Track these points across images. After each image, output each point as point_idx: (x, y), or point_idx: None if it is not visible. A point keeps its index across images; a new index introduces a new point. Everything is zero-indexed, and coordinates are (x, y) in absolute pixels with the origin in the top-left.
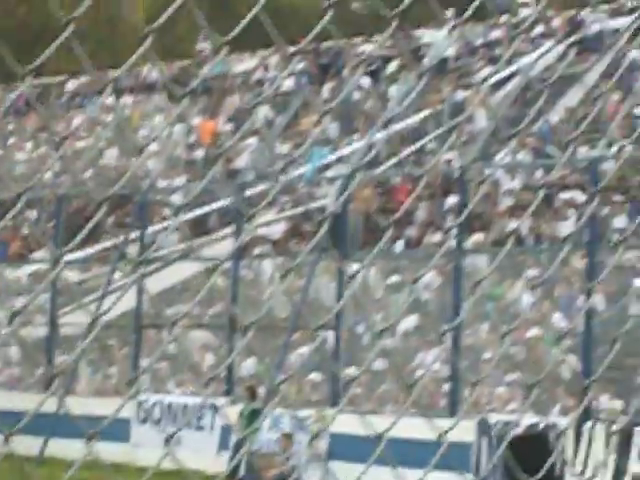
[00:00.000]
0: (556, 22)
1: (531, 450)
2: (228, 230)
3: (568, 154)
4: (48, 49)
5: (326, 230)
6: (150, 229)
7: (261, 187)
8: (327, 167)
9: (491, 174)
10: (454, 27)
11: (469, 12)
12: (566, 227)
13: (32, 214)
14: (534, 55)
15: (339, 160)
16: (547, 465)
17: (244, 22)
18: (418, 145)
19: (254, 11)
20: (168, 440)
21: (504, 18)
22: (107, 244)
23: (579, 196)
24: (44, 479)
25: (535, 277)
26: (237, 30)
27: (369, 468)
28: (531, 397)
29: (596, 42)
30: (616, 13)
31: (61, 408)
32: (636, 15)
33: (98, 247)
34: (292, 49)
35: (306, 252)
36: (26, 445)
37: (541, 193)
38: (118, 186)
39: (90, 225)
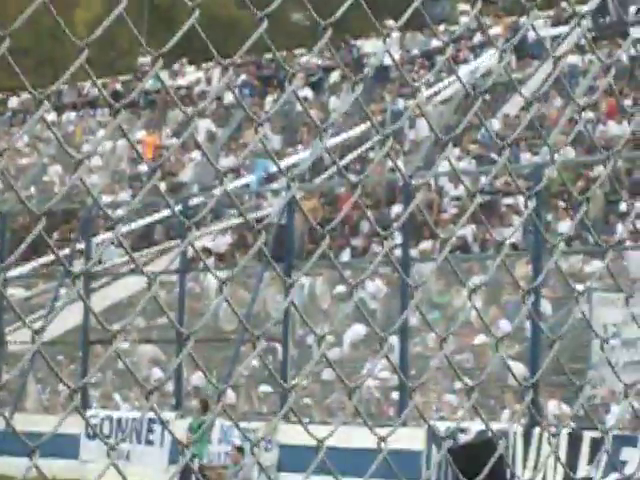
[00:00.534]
0: (496, 30)
1: (481, 456)
2: (173, 243)
3: (505, 159)
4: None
5: (271, 241)
6: (95, 242)
7: (203, 199)
8: (272, 179)
9: (431, 181)
10: (388, 35)
11: (404, 19)
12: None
13: None
14: (474, 63)
15: (283, 172)
16: (492, 470)
17: (178, 35)
18: (358, 153)
19: (188, 24)
20: (111, 451)
21: (443, 27)
22: (51, 259)
23: (523, 202)
24: None
25: (481, 284)
26: (171, 43)
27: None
28: (471, 401)
29: (536, 49)
30: (555, 21)
31: (8, 425)
32: (574, 22)
33: (42, 261)
34: (228, 61)
35: (245, 261)
36: None
37: (480, 199)
38: (55, 200)
39: (30, 238)
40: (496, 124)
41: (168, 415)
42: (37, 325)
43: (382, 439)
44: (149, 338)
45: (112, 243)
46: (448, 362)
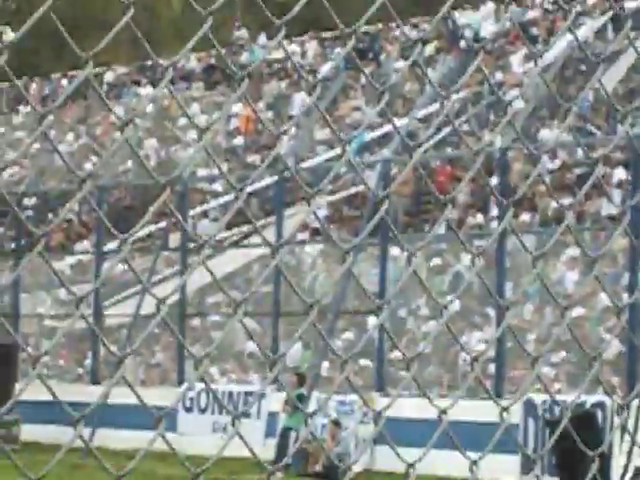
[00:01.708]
0: (592, 0)
1: (579, 429)
2: (269, 219)
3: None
4: (106, 36)
5: (367, 214)
6: (191, 215)
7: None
8: (366, 151)
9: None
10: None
11: None
12: (610, 205)
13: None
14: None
15: (378, 143)
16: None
17: (292, 12)
18: (453, 126)
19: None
20: (231, 423)
21: None
22: (147, 232)
23: (622, 174)
24: (93, 469)
25: (577, 256)
26: (285, 19)
27: (423, 451)
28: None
29: (636, 19)
30: None
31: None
32: None
33: (138, 235)
34: (327, 35)
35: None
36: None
37: (578, 170)
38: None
39: (155, 207)
40: (590, 96)
41: (265, 388)
42: (133, 300)
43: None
44: (245, 311)
45: (207, 217)
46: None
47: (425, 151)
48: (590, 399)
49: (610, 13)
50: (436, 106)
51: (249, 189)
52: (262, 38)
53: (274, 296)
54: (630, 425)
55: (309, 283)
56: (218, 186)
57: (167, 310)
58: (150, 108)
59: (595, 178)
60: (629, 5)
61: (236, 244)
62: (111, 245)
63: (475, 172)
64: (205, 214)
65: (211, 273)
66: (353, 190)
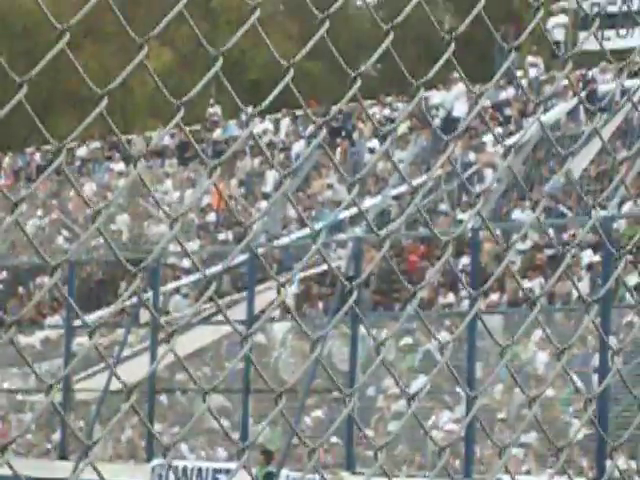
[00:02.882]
0: (565, 82)
1: None
2: (241, 295)
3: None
4: (79, 113)
5: (337, 292)
6: (162, 291)
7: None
8: (338, 230)
9: (498, 233)
10: (476, 94)
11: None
12: (580, 287)
13: (44, 280)
14: (544, 116)
15: (350, 222)
16: None
17: (270, 97)
18: (426, 204)
19: (283, 82)
20: None
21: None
22: (119, 307)
23: (591, 256)
24: None
25: (547, 337)
26: (267, 100)
27: None
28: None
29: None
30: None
31: (77, 474)
32: None
33: (110, 310)
34: (300, 112)
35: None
36: None
37: (549, 252)
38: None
39: (129, 291)
40: (562, 178)
41: (232, 465)
42: (103, 375)
43: None
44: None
45: (179, 293)
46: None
47: (396, 231)
48: None
49: (583, 95)
50: (408, 186)
51: (221, 266)
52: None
53: (244, 373)
54: None
55: (279, 361)
56: (188, 262)
57: (135, 397)
58: (122, 183)
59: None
60: (602, 88)
61: (206, 320)
62: (81, 321)
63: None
64: (177, 290)
65: (176, 355)
66: (324, 268)
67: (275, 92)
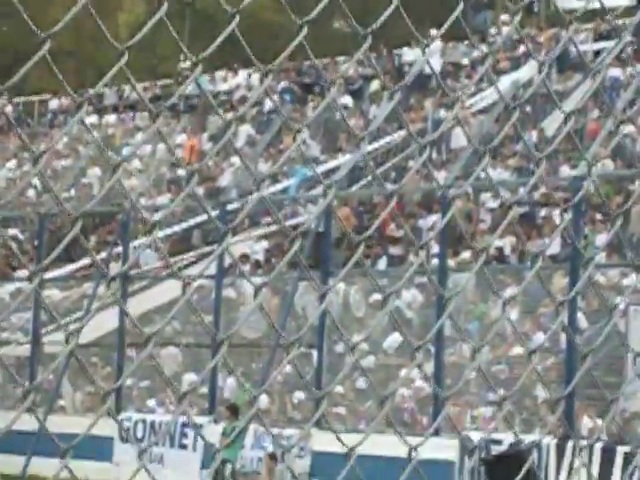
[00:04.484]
0: (537, 41)
1: (513, 468)
2: (210, 249)
3: (541, 170)
4: (24, 66)
5: (307, 248)
6: (132, 246)
7: (241, 204)
8: (310, 187)
9: (469, 191)
10: (427, 45)
11: (443, 28)
12: (550, 246)
13: (14, 232)
14: (515, 74)
15: (322, 179)
16: None
17: (219, 40)
18: (395, 161)
19: (228, 30)
20: (141, 454)
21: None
22: (87, 262)
23: (560, 214)
24: None
25: (515, 295)
26: (211, 48)
27: None
28: (503, 411)
29: (579, 62)
30: (597, 35)
31: (42, 427)
32: (620, 37)
33: (79, 265)
34: (269, 66)
35: (280, 267)
36: (9, 463)
37: (519, 210)
38: (94, 202)
39: (67, 239)
40: (534, 136)
41: (201, 419)
42: (72, 327)
43: (413, 448)
44: (183, 342)
45: (149, 247)
46: (482, 373)
47: (366, 186)
48: (527, 438)
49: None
50: (379, 142)
51: (192, 221)
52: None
53: (213, 327)
54: (565, 465)
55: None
56: (160, 216)
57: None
58: (94, 136)
59: (536, 218)
60: (581, 48)
61: (175, 274)
62: (52, 273)
63: (414, 209)
64: (147, 244)
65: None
66: (294, 222)
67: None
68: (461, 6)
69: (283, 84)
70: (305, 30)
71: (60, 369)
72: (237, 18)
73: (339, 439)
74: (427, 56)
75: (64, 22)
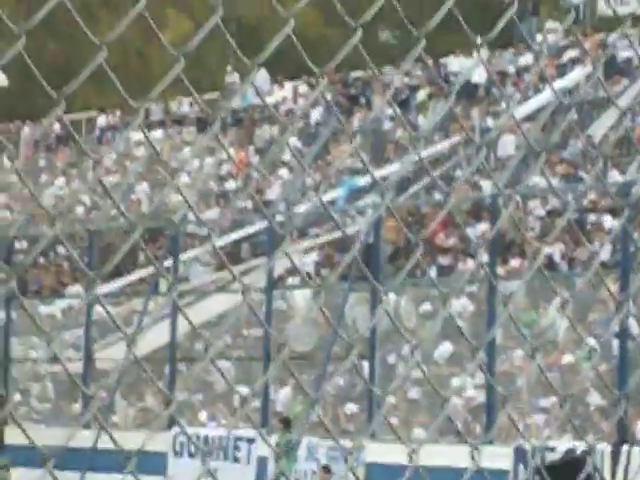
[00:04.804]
0: (585, 46)
1: (569, 476)
2: (259, 261)
3: (596, 170)
4: (78, 77)
5: (358, 259)
6: (182, 260)
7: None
8: (358, 198)
9: (518, 199)
10: (477, 48)
11: (493, 34)
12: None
13: (64, 249)
14: (561, 81)
15: (370, 189)
16: None
17: (271, 47)
18: (445, 170)
19: (279, 38)
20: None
21: (536, 44)
22: (138, 276)
23: (610, 220)
24: None
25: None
26: (265, 53)
27: None
28: (565, 410)
29: (626, 66)
30: None
31: (98, 442)
32: None
33: (129, 279)
34: (318, 74)
35: (334, 278)
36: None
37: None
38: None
39: (121, 253)
40: (580, 144)
41: (254, 432)
42: (123, 344)
43: (472, 454)
44: (236, 355)
45: (198, 261)
46: (543, 375)
47: (414, 196)
48: (581, 445)
49: (602, 60)
50: (427, 152)
51: (240, 234)
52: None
53: (264, 341)
54: (620, 471)
55: (291, 329)
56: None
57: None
58: (142, 152)
59: (586, 225)
60: (623, 54)
61: (224, 288)
62: (103, 289)
63: (463, 218)
64: (197, 258)
65: (190, 323)
66: (344, 234)
67: (272, 46)
68: (514, 9)
69: (329, 96)
70: (359, 33)
71: (113, 384)
72: (291, 25)
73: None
74: (476, 65)
75: (117, 31)
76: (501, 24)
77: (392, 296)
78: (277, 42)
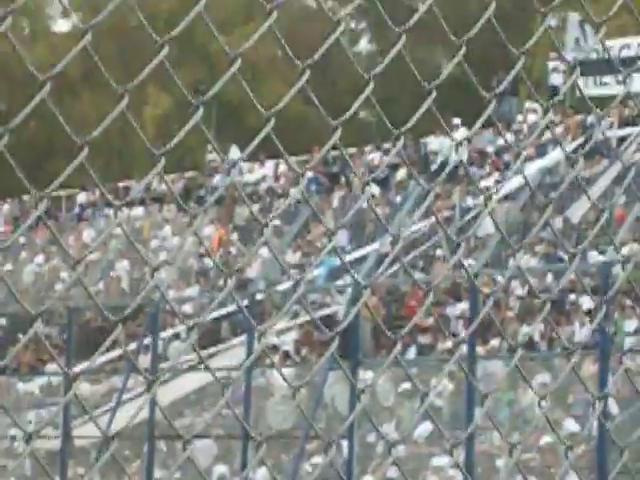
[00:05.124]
0: (564, 127)
1: None
2: (239, 340)
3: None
4: (63, 170)
5: (338, 339)
6: (162, 338)
7: (272, 294)
8: (337, 277)
9: (498, 279)
10: (451, 133)
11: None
12: (579, 332)
13: (43, 326)
14: (541, 161)
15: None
16: None
17: (258, 138)
18: (423, 249)
19: (264, 130)
20: None
21: (516, 125)
22: (117, 354)
23: (589, 301)
24: None
25: (546, 383)
26: (251, 147)
27: None
28: None
29: (605, 148)
30: (622, 122)
31: None
32: None
33: (109, 357)
34: (303, 158)
35: (318, 367)
36: None
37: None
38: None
39: (108, 342)
40: (558, 223)
41: None
42: (103, 420)
43: None
44: (214, 434)
45: (178, 338)
46: (518, 468)
47: (393, 275)
48: None
49: (581, 139)
50: (406, 231)
51: (219, 312)
52: (234, 151)
53: (244, 419)
54: None
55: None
56: (188, 308)
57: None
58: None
59: (565, 305)
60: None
61: (201, 365)
62: (81, 366)
63: (442, 299)
64: (177, 335)
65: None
66: (323, 313)
67: (259, 137)
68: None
69: (310, 174)
70: (339, 132)
71: (92, 462)
72: (272, 121)
73: None
74: (454, 145)
75: (103, 125)
76: (486, 115)
77: (369, 374)
78: (260, 137)
